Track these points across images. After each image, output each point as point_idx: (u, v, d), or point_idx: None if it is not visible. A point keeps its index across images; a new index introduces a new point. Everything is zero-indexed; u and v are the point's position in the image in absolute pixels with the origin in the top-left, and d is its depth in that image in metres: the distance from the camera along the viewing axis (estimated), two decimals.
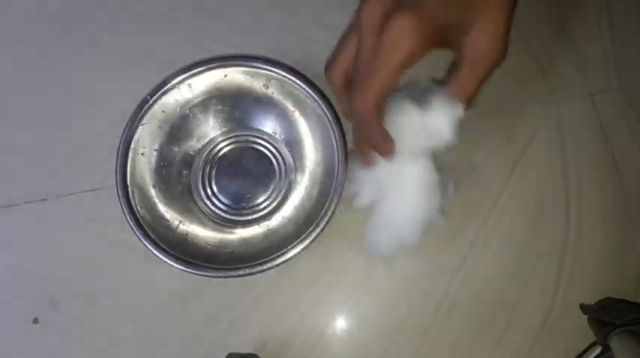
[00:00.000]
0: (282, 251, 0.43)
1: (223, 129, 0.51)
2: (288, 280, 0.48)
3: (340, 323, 0.48)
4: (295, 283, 0.48)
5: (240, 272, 0.43)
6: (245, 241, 0.48)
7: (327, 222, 0.43)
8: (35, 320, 0.49)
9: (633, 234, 0.49)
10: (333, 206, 0.43)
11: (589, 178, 0.51)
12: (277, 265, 0.43)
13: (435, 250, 0.48)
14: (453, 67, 0.34)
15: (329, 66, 0.36)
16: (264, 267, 0.43)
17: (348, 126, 0.45)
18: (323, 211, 0.43)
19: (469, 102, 0.34)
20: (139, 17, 0.56)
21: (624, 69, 0.53)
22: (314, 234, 0.43)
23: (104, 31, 0.55)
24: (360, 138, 0.38)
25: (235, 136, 0.52)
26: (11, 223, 0.51)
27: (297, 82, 0.46)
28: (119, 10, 0.56)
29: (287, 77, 0.47)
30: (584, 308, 0.47)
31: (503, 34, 0.32)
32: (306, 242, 0.43)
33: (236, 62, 0.47)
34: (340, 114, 0.45)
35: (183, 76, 0.47)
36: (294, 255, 0.43)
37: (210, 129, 0.51)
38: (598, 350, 0.44)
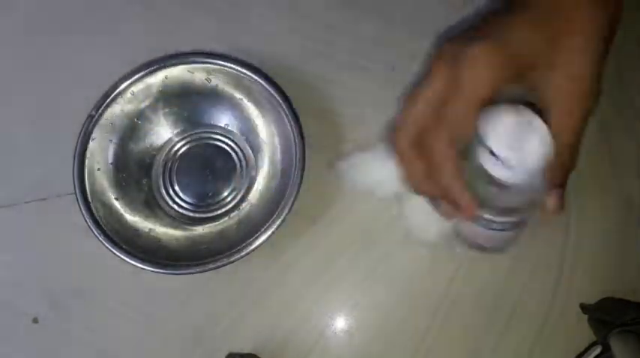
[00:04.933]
0: (255, 236, 0.43)
1: (176, 131, 0.51)
2: (288, 280, 0.48)
3: (340, 323, 0.48)
4: (295, 283, 0.48)
5: (218, 263, 0.43)
6: (219, 235, 0.48)
7: (295, 199, 0.43)
8: (35, 320, 0.49)
9: (633, 235, 0.49)
10: (297, 182, 0.44)
11: (589, 178, 0.50)
12: (253, 250, 0.43)
13: (435, 250, 0.48)
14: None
15: (400, 126, 0.31)
16: (241, 254, 0.43)
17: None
18: (288, 189, 0.44)
19: (572, 163, 0.29)
20: (140, 16, 0.56)
21: (624, 69, 0.53)
22: (283, 214, 0.43)
23: (104, 31, 0.55)
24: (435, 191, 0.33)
25: (189, 135, 0.52)
26: (11, 223, 0.51)
27: (238, 68, 0.46)
28: (120, 10, 0.56)
29: (226, 66, 0.46)
30: (584, 308, 0.47)
31: (592, 74, 0.27)
32: (278, 222, 0.43)
33: (174, 61, 0.47)
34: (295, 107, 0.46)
35: (125, 85, 0.46)
36: (269, 236, 0.43)
37: (163, 133, 0.51)
38: (598, 350, 0.44)
